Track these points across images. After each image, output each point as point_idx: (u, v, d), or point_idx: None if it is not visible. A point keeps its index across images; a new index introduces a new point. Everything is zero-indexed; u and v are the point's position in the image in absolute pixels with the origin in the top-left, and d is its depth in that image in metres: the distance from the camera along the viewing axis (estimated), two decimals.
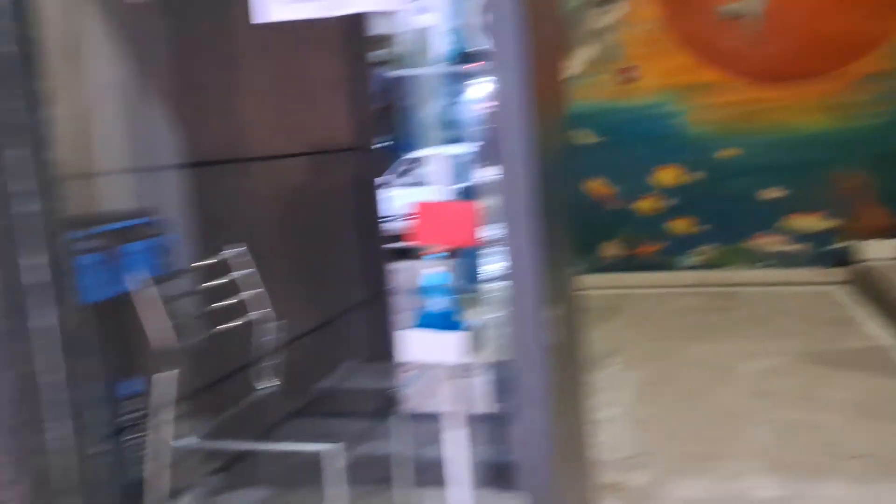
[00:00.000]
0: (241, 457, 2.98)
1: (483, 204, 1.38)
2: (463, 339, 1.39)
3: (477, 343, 1.42)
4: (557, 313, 1.32)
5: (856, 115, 5.94)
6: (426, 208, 1.42)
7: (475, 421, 1.54)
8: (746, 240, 6.24)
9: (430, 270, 1.45)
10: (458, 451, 1.51)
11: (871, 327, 4.69)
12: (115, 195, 2.49)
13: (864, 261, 5.78)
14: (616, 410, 3.57)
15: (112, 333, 2.36)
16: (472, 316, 1.43)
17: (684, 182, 6.30)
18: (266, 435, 2.82)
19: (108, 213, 2.41)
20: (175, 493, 2.46)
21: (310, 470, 2.39)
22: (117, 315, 2.34)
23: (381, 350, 3.99)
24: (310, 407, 3.54)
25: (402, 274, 4.38)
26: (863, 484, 2.78)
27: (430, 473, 2.45)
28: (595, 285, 5.81)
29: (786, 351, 4.27)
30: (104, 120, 2.55)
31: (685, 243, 6.37)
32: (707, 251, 6.33)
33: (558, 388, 1.35)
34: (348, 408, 3.73)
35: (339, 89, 4.15)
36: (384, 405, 3.25)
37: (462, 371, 1.46)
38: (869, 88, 5.90)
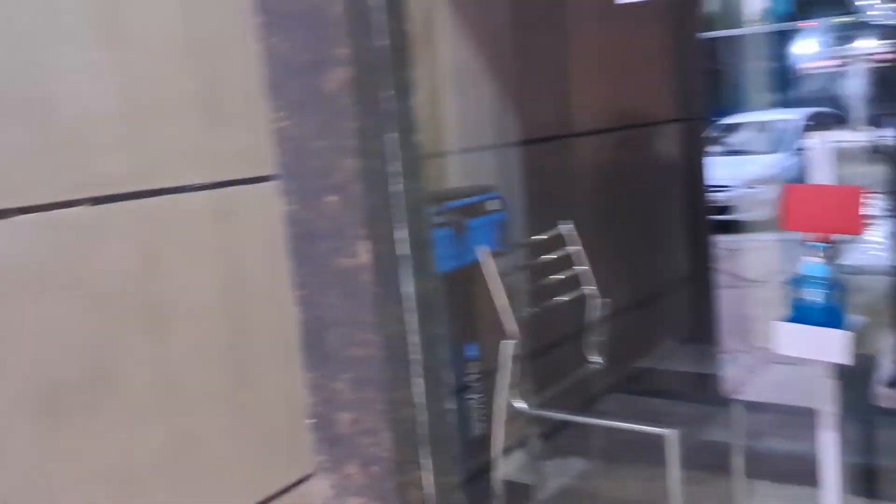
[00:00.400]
0: (565, 426, 3.07)
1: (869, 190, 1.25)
2: (845, 339, 1.28)
3: (858, 340, 1.30)
4: None
5: None
6: (799, 192, 1.32)
7: (842, 420, 1.42)
8: None
9: (807, 260, 1.35)
10: (827, 452, 1.41)
11: None
12: (462, 173, 2.67)
13: None
14: None
15: (457, 302, 2.54)
16: (854, 311, 1.31)
17: None
18: (587, 408, 2.88)
19: (457, 189, 2.58)
20: (507, 451, 2.61)
21: (634, 447, 2.39)
22: (461, 285, 2.52)
23: (702, 330, 3.86)
24: (630, 384, 3.54)
25: (727, 249, 4.17)
26: None
27: (763, 465, 2.33)
28: None
29: None
30: (452, 102, 2.73)
31: None
32: None
33: None
34: (667, 387, 3.67)
35: (660, 58, 4.04)
36: (705, 388, 3.13)
37: (836, 368, 1.35)
38: None
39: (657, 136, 4.04)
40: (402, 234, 2.10)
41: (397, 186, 2.09)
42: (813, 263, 1.33)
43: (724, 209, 4.53)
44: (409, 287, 2.13)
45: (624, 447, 2.73)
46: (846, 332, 1.28)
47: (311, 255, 2.13)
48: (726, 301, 4.03)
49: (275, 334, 2.13)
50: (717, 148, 7.70)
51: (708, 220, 4.14)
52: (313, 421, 2.21)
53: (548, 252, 2.72)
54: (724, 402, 2.52)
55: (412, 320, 2.15)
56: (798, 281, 1.35)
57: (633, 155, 3.87)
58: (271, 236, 2.11)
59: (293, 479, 2.16)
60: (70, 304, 1.59)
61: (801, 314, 1.33)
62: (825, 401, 1.35)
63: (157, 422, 1.77)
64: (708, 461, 2.64)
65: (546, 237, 2.73)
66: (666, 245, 4.04)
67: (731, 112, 9.82)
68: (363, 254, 2.04)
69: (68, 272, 1.58)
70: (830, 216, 1.28)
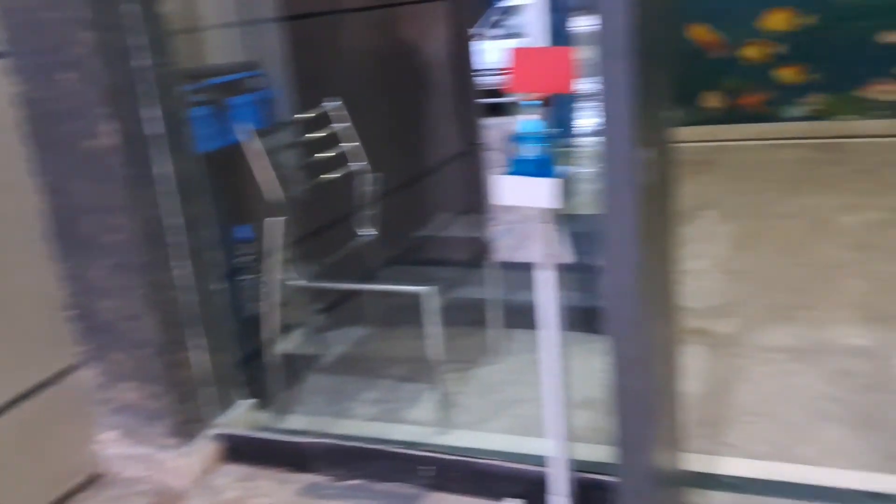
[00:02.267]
0: (344, 298, 3.19)
1: (580, 52, 1.38)
2: (554, 185, 1.43)
3: (568, 190, 1.46)
4: (650, 155, 1.34)
5: None
6: (521, 54, 1.42)
7: (563, 269, 1.61)
8: (859, 88, 5.87)
9: (525, 118, 1.48)
10: (547, 295, 1.59)
11: None
12: (221, 49, 2.58)
13: None
14: (707, 262, 3.58)
15: (224, 182, 2.50)
16: (565, 164, 1.46)
17: (796, 26, 5.90)
18: (367, 279, 3.00)
19: (215, 66, 2.50)
20: (286, 328, 2.68)
21: (407, 311, 2.55)
22: (227, 165, 2.48)
23: (473, 202, 4.08)
24: (407, 254, 3.71)
25: (495, 128, 4.38)
26: None
27: (520, 317, 2.57)
28: (693, 137, 5.65)
29: (892, 205, 4.13)
30: None
31: (792, 93, 6.04)
32: (816, 101, 6.00)
33: (647, 232, 1.39)
34: (443, 256, 3.88)
35: None
36: (476, 254, 3.36)
37: (552, 217, 1.51)
38: None
39: (429, 15, 4.07)
40: (152, 113, 2.03)
41: (143, 62, 1.99)
42: (528, 121, 1.47)
43: (495, 90, 4.69)
44: (164, 168, 2.08)
45: (396, 312, 2.89)
46: (553, 180, 1.44)
47: (52, 139, 2.01)
48: (498, 167, 4.25)
49: (20, 225, 2.01)
50: (493, 31, 7.88)
51: (480, 100, 4.29)
52: (73, 311, 2.14)
53: (316, 130, 2.72)
54: (491, 265, 2.73)
55: (170, 202, 2.11)
56: (517, 138, 1.48)
57: (405, 34, 3.90)
58: (3, 119, 1.95)
59: (54, 370, 2.10)
60: None
61: (519, 167, 1.47)
62: (541, 248, 1.53)
63: None
64: (473, 317, 2.88)
65: (313, 114, 2.73)
66: (440, 123, 4.17)
67: None
68: (109, 134, 1.95)
69: None
70: (545, 76, 1.40)
